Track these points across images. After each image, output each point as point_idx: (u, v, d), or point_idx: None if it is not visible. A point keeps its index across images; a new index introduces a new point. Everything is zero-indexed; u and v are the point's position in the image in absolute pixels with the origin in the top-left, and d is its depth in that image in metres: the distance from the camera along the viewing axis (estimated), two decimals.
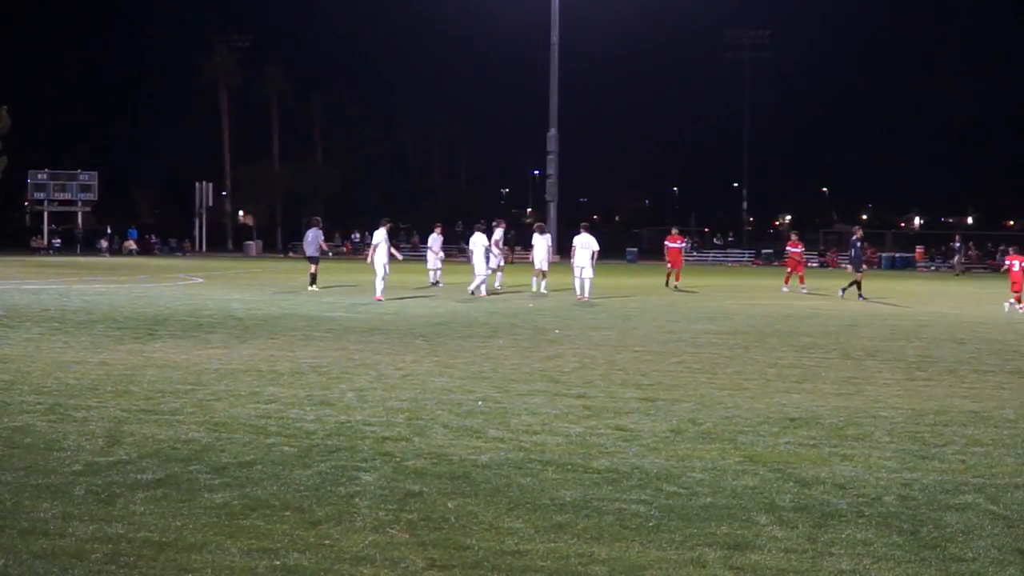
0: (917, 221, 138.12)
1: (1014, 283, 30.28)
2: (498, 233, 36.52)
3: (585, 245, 32.28)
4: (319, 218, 39.96)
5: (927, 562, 7.19)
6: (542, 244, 35.52)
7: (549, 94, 77.68)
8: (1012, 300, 30.52)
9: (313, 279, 35.44)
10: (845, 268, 38.27)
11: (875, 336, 22.59)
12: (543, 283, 35.20)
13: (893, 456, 10.42)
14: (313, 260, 35.82)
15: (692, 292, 38.01)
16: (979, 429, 11.90)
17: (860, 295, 35.01)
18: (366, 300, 30.32)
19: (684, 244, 40.01)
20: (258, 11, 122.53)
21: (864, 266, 37.13)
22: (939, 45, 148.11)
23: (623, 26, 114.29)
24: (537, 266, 35.48)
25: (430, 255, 39.86)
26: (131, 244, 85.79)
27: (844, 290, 35.75)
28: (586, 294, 31.93)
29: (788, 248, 41.21)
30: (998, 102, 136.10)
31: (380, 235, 32.06)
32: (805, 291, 38.05)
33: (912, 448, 10.82)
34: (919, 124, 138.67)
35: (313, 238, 35.95)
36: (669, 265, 40.03)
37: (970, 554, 7.37)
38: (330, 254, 36.13)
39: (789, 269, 40.53)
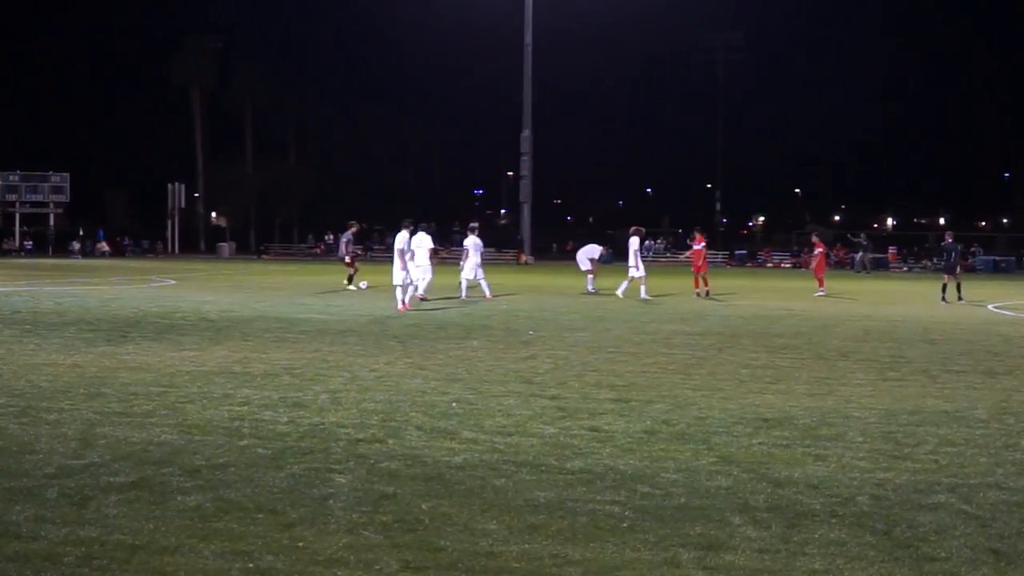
0: (890, 222, 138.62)
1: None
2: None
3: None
4: (353, 221, 39.32)
5: (900, 561, 7.22)
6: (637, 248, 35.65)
7: (523, 95, 77.67)
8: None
9: (350, 279, 36.84)
10: (942, 275, 36.90)
11: (848, 337, 22.68)
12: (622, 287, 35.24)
13: (866, 456, 10.46)
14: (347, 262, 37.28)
15: (662, 296, 38.05)
16: (952, 429, 11.96)
17: (959, 297, 35.15)
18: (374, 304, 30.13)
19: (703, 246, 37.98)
20: (231, 12, 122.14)
21: (958, 269, 36.71)
22: (910, 48, 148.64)
23: (597, 27, 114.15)
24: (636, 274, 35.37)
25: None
26: (104, 246, 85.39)
27: (944, 296, 35.43)
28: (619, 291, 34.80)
29: (694, 246, 39.25)
30: (971, 103, 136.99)
31: (402, 239, 29.00)
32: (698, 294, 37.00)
33: (885, 448, 10.87)
34: (892, 125, 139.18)
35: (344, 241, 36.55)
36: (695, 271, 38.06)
37: (943, 553, 7.41)
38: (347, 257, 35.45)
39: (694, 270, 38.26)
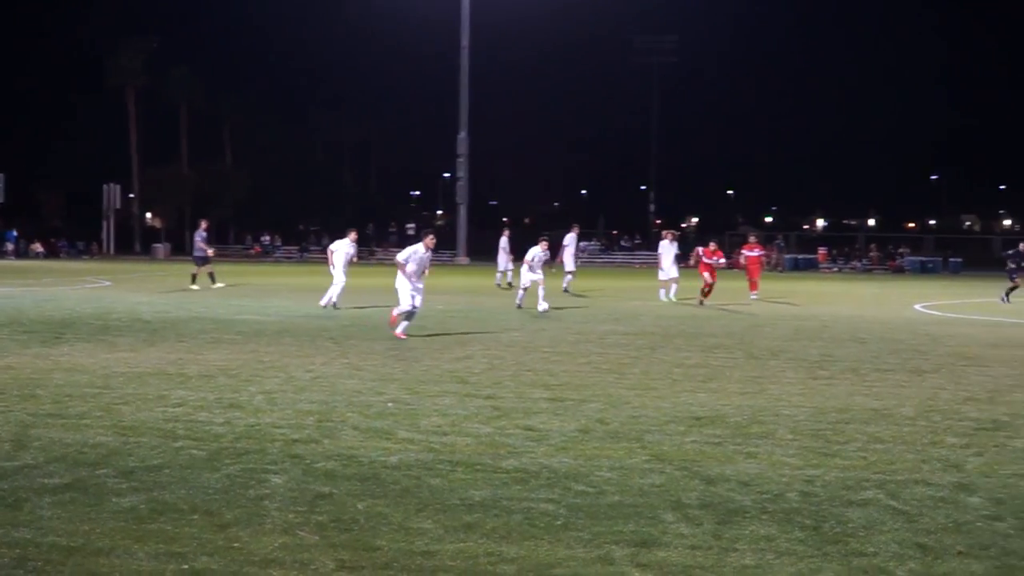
0: (820, 223, 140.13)
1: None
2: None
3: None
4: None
5: (829, 557, 7.30)
6: (670, 251, 34.84)
7: (459, 97, 77.57)
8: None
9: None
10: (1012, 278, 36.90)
11: (778, 336, 22.89)
12: (672, 290, 34.81)
13: (796, 453, 10.56)
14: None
15: (589, 296, 38.17)
16: (880, 426, 12.11)
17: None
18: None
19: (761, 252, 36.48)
20: (165, 13, 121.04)
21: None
22: (841, 52, 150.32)
23: (534, 30, 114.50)
24: (664, 276, 34.97)
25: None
26: (37, 246, 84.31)
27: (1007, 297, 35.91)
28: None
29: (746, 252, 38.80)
30: (900, 108, 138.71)
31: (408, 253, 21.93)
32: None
33: (814, 445, 10.97)
34: (823, 129, 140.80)
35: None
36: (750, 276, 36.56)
37: (871, 548, 7.49)
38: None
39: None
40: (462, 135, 77.59)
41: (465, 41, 76.64)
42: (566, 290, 36.57)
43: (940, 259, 79.55)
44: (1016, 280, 36.04)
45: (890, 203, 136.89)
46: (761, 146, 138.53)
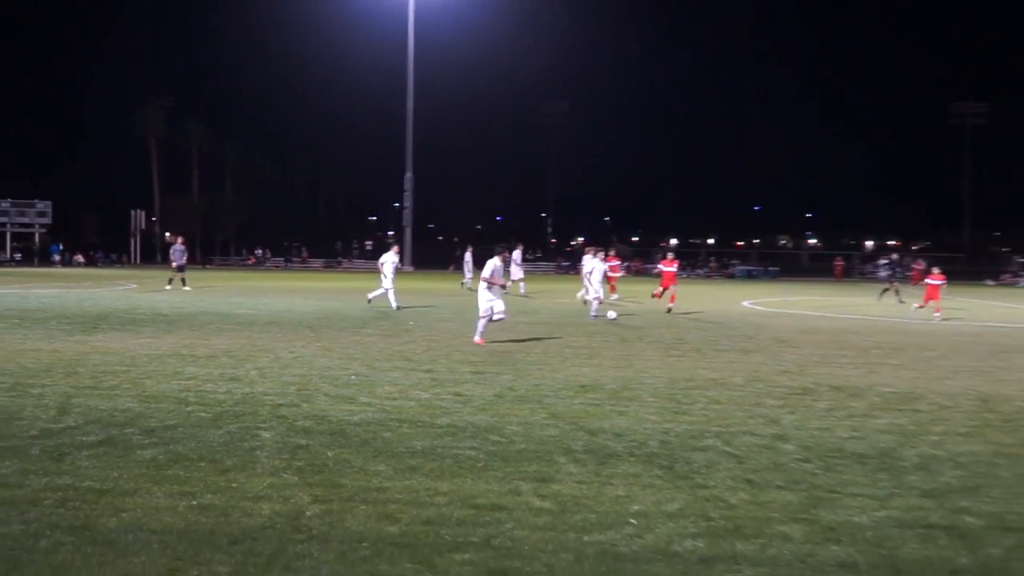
0: (673, 241, 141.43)
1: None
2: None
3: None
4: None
5: (680, 488, 7.38)
6: (599, 268, 27.05)
7: (406, 144, 77.28)
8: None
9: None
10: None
11: (642, 325, 23.07)
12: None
13: (655, 412, 10.65)
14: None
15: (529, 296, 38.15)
16: (717, 392, 12.26)
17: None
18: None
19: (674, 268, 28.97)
20: (181, 75, 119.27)
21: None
22: (690, 111, 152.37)
23: (464, 93, 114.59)
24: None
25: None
26: (79, 257, 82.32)
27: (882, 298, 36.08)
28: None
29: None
30: (727, 155, 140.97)
31: (494, 264, 18.27)
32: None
33: (669, 406, 11.08)
34: (677, 168, 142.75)
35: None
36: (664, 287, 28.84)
37: (711, 483, 7.58)
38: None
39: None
40: (408, 175, 77.23)
41: (410, 104, 76.37)
42: (524, 294, 36.35)
43: (762, 268, 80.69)
44: (893, 284, 36.81)
45: (725, 226, 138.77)
46: (630, 181, 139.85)
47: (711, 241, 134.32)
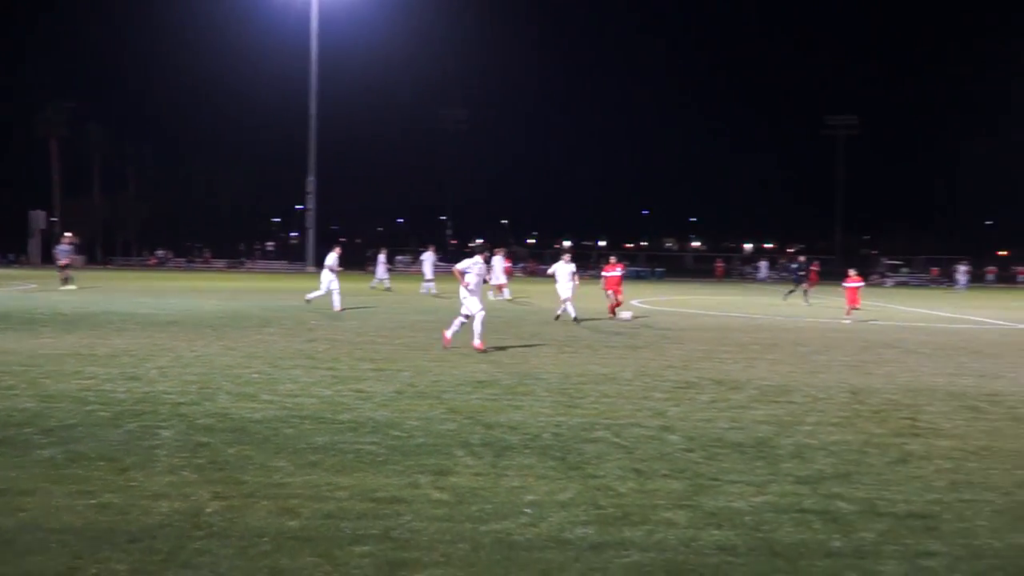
0: (567, 243, 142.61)
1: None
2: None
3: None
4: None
5: (572, 478, 7.42)
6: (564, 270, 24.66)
7: (308, 148, 76.17)
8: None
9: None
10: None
11: (538, 323, 23.19)
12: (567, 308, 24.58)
13: (549, 406, 10.70)
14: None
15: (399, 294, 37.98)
16: (607, 386, 12.38)
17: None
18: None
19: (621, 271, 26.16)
20: (84, 77, 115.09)
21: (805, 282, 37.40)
22: (575, 122, 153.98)
23: (368, 95, 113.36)
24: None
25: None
26: None
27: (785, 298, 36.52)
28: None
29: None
30: (619, 161, 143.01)
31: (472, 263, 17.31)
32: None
33: (562, 400, 11.15)
34: (569, 174, 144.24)
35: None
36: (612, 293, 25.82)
37: (601, 472, 7.65)
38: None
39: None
40: (310, 178, 76.20)
41: (313, 110, 75.33)
42: (433, 293, 35.62)
43: (649, 269, 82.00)
44: (804, 285, 37.62)
45: (615, 229, 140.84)
46: (527, 185, 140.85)
47: (603, 243, 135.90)
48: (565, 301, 23.94)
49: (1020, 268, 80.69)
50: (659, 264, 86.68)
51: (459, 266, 16.82)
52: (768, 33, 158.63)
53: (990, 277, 72.95)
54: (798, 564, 5.62)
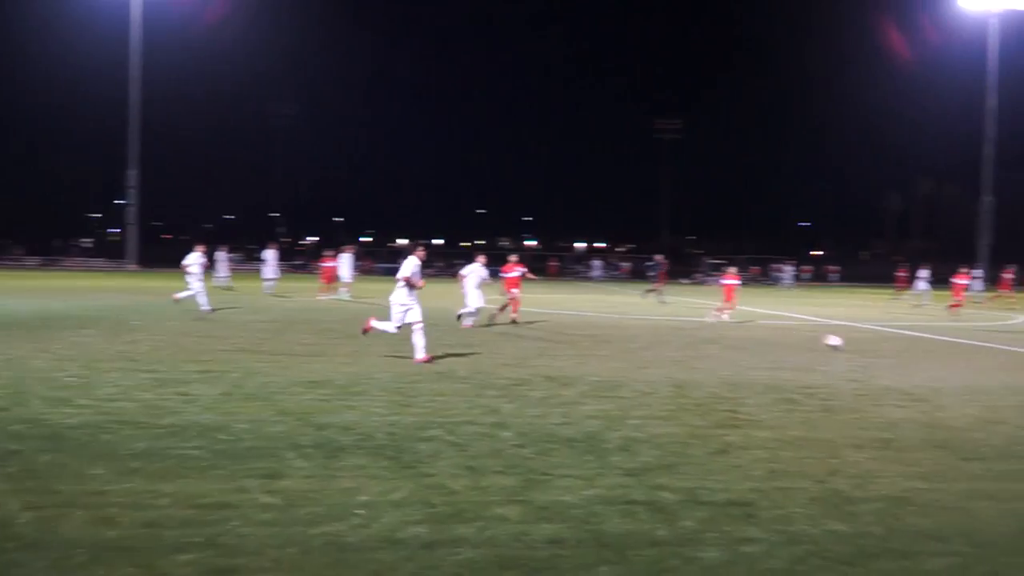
0: (403, 240, 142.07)
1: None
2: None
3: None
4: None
5: (406, 477, 7.41)
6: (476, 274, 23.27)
7: (128, 141, 73.03)
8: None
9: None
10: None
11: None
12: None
13: (383, 405, 10.64)
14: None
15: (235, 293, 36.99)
16: (442, 384, 12.40)
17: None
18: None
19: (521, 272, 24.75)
20: None
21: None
22: (418, 113, 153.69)
23: (193, 89, 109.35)
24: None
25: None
26: None
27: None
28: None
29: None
30: (462, 158, 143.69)
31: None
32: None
33: (396, 399, 11.10)
34: (409, 171, 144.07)
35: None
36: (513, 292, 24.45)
37: (435, 471, 7.67)
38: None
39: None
40: (132, 171, 73.08)
41: (135, 97, 72.25)
42: (270, 292, 34.51)
43: (492, 268, 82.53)
44: (656, 285, 38.30)
45: (452, 228, 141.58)
46: (362, 183, 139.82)
47: (440, 242, 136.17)
48: (469, 307, 22.49)
49: (832, 267, 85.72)
50: (494, 263, 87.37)
51: (404, 273, 15.13)
52: (600, 36, 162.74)
53: (806, 276, 76.99)
54: (625, 554, 5.80)
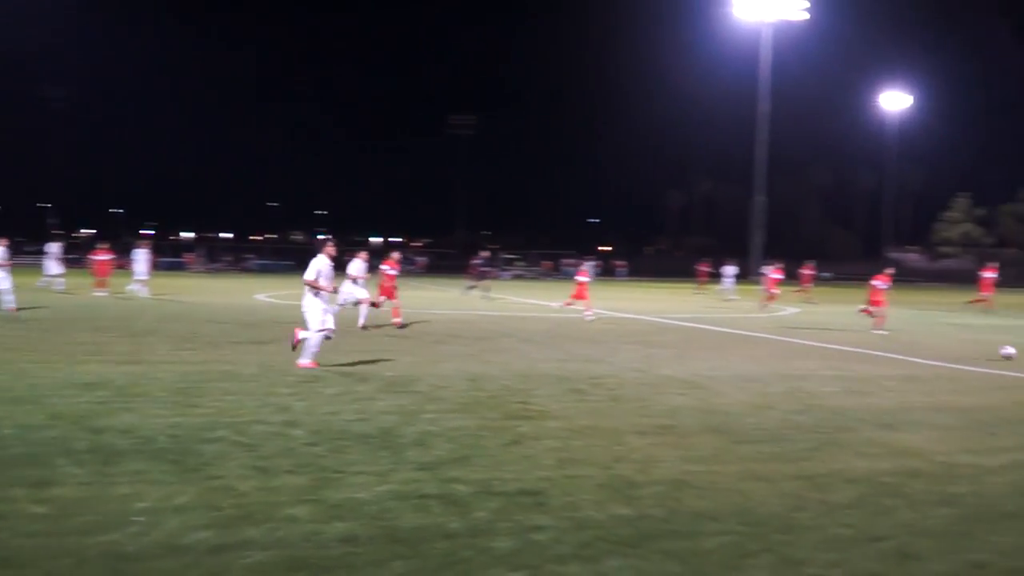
0: (192, 234, 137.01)
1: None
2: None
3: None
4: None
5: (190, 481, 7.13)
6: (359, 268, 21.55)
7: None
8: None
9: None
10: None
11: (153, 319, 22.05)
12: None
13: (166, 407, 10.20)
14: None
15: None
16: (230, 383, 12.03)
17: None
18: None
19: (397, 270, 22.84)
20: None
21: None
22: (204, 101, 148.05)
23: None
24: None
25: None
26: None
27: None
28: None
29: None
30: (252, 150, 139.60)
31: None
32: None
33: (180, 400, 10.67)
34: (194, 162, 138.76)
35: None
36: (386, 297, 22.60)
37: (223, 472, 7.42)
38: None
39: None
40: None
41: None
42: (137, 291, 31.95)
43: (278, 262, 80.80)
44: (482, 281, 38.03)
45: (241, 221, 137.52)
46: (143, 173, 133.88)
47: (229, 235, 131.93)
48: (361, 302, 21.14)
49: (620, 262, 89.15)
50: (287, 257, 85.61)
51: (309, 276, 13.73)
52: (393, 34, 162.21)
53: (596, 271, 79.65)
54: (419, 548, 5.81)
